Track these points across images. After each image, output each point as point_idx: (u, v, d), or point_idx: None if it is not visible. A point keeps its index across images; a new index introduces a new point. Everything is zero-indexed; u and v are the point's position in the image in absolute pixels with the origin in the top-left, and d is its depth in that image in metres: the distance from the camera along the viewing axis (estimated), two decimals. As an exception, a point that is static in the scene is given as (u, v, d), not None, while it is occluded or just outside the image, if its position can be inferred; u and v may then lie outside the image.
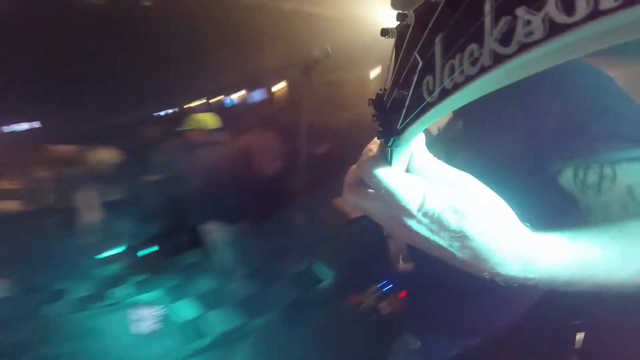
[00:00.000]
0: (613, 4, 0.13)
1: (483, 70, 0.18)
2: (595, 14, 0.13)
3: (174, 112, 2.74)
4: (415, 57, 0.25)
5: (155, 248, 2.35)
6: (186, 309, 2.28)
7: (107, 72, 2.17)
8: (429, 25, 0.23)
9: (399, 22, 0.26)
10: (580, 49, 0.16)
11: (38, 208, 2.24)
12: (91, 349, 1.79)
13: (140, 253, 2.33)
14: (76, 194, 2.22)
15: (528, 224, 0.33)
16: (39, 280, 2.14)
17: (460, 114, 0.60)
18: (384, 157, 0.31)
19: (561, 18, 0.14)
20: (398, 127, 0.27)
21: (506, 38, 0.17)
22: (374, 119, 0.30)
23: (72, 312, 2.06)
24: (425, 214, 0.30)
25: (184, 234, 2.32)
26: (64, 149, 2.29)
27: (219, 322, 2.01)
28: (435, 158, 0.34)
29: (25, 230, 2.17)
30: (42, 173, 2.25)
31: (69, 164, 2.25)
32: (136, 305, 2.03)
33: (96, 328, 1.92)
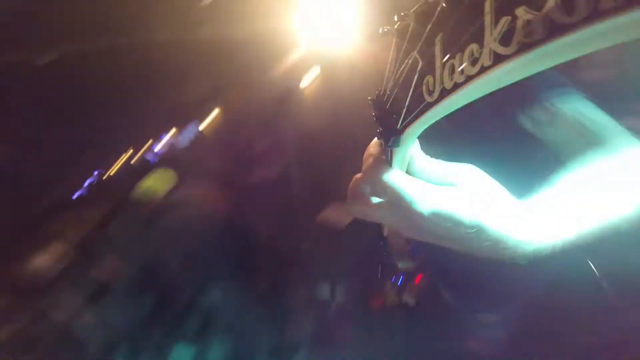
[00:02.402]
0: (613, 4, 0.13)
1: (483, 70, 0.18)
2: (595, 14, 0.13)
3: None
4: (415, 57, 0.25)
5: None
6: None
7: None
8: (429, 25, 0.23)
9: (399, 22, 0.26)
10: (580, 49, 0.15)
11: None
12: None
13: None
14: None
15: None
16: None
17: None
18: (388, 160, 0.31)
19: (561, 18, 0.14)
20: (398, 127, 0.27)
21: (506, 38, 0.17)
22: (374, 119, 0.30)
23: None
24: (438, 215, 0.31)
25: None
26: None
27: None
28: (432, 159, 0.34)
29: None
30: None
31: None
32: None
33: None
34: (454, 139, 0.64)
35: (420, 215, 0.31)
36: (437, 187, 0.32)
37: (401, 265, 0.40)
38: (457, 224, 0.31)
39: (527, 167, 0.51)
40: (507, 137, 0.63)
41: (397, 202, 0.32)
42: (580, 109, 0.54)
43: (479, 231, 0.31)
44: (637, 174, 0.41)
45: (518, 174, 0.36)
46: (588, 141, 0.51)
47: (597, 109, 0.54)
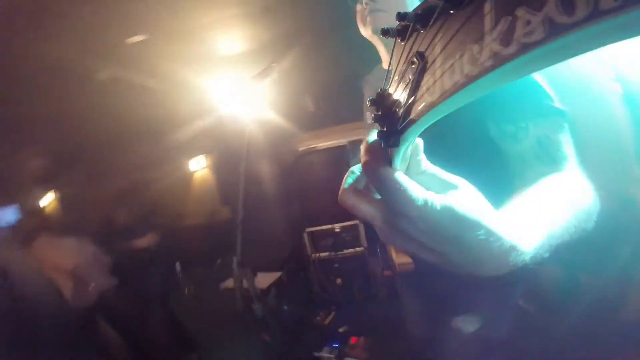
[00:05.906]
0: (613, 4, 0.13)
1: (483, 70, 0.18)
2: (595, 14, 0.13)
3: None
4: (416, 57, 0.25)
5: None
6: None
7: None
8: (429, 26, 0.23)
9: (399, 22, 0.26)
10: (580, 49, 0.16)
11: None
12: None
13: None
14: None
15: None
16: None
17: None
18: (386, 157, 0.31)
19: (561, 18, 0.14)
20: (398, 127, 0.27)
21: (506, 38, 0.17)
22: (374, 119, 0.30)
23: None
24: (424, 219, 0.30)
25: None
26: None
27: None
28: (432, 165, 0.34)
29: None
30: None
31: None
32: None
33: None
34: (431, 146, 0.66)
35: (406, 216, 0.30)
36: (428, 192, 0.31)
37: (399, 264, 0.39)
38: (440, 232, 0.30)
39: (496, 178, 0.50)
40: (480, 147, 0.63)
41: (389, 199, 0.31)
42: (548, 134, 0.56)
43: (487, 233, 0.31)
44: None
45: (488, 185, 0.36)
46: (542, 161, 0.55)
47: (562, 138, 0.55)
